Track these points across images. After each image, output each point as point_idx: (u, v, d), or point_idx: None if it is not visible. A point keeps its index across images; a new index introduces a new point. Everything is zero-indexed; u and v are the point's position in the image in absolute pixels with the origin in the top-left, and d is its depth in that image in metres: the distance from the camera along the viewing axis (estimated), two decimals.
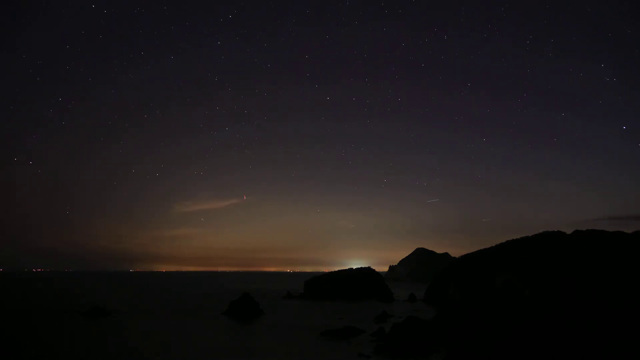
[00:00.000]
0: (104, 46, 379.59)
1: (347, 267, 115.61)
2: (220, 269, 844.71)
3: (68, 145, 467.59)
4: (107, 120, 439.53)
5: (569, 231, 74.96)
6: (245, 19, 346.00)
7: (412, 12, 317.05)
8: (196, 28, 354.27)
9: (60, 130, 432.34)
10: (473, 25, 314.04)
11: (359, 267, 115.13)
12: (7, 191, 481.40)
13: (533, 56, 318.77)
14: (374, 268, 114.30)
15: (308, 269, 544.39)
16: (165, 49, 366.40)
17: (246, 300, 69.51)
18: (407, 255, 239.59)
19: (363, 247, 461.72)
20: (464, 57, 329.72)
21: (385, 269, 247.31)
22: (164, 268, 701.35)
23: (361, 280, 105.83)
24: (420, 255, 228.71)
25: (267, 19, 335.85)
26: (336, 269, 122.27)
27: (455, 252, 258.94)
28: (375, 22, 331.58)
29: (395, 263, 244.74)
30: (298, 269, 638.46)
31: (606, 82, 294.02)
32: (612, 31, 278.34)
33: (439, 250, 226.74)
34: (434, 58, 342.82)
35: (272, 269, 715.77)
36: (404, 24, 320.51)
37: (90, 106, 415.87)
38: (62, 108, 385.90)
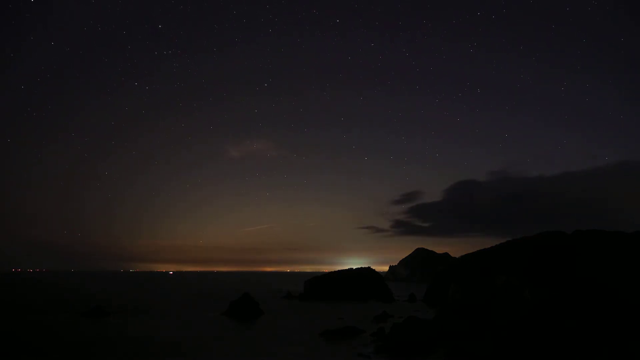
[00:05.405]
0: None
1: (347, 267, 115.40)
2: (220, 269, 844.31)
3: (71, 145, 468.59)
4: (115, 123, 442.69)
5: None
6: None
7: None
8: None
9: (66, 131, 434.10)
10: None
11: (359, 267, 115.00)
12: (7, 190, 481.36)
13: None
14: (374, 268, 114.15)
15: (308, 269, 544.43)
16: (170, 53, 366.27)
17: (246, 300, 69.47)
18: (407, 255, 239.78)
19: (363, 247, 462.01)
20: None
21: (385, 269, 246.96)
22: (164, 268, 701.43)
23: (361, 280, 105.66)
24: (420, 256, 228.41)
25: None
26: (336, 269, 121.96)
27: (455, 252, 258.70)
28: None
29: (395, 263, 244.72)
30: (298, 269, 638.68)
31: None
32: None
33: (439, 250, 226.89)
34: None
35: (272, 269, 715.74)
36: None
37: (94, 109, 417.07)
38: (64, 109, 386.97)
